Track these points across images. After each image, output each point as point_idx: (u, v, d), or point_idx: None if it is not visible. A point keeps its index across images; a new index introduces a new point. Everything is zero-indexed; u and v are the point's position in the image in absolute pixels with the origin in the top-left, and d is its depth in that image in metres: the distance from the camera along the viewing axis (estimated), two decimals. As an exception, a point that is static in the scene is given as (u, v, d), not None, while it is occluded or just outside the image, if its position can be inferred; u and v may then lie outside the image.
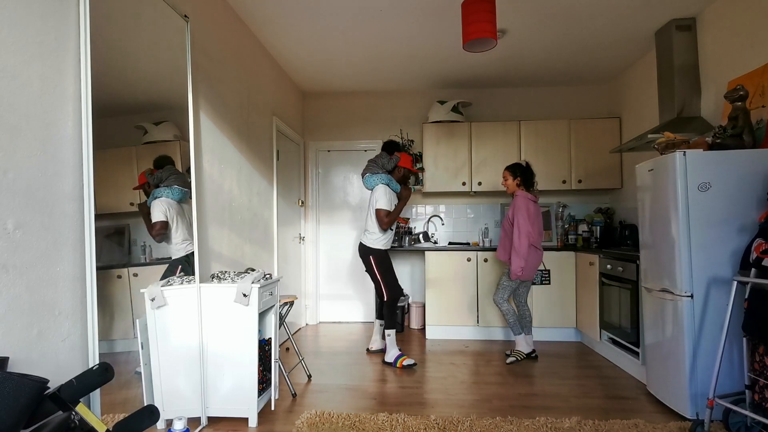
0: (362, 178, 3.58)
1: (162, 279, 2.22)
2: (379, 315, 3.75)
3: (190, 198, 2.42)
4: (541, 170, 4.43)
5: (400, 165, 3.54)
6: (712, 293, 2.37)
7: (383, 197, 3.41)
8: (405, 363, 3.33)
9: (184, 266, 2.36)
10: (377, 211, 3.41)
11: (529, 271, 3.40)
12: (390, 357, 3.40)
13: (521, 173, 3.47)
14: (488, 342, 4.09)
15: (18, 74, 1.45)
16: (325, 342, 4.15)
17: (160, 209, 2.17)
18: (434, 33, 3.48)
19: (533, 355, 3.49)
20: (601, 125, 4.42)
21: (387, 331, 3.44)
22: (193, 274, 2.36)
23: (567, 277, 4.07)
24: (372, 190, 3.52)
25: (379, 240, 3.48)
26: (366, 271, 3.60)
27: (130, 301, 2.06)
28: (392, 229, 3.57)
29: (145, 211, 2.08)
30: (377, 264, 3.48)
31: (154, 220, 2.14)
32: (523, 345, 3.41)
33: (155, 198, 2.15)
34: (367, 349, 3.81)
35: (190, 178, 2.42)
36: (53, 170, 1.58)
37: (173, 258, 2.30)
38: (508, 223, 3.48)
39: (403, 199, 3.56)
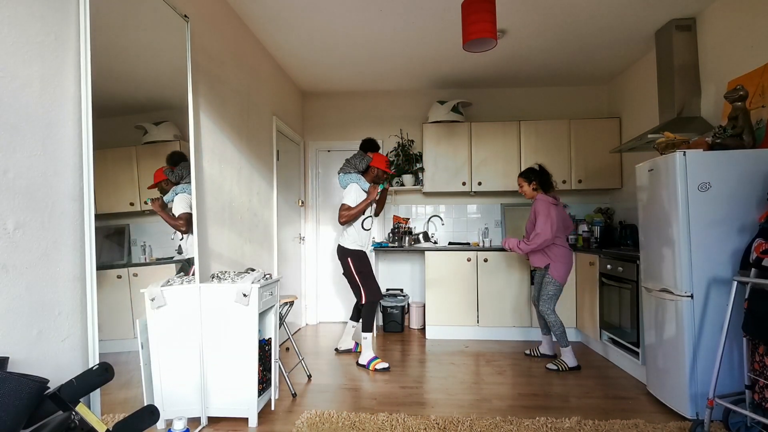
0: (338, 176, 3.54)
1: (177, 276, 2.24)
2: (354, 317, 3.71)
3: None
4: (541, 170, 4.44)
5: (372, 165, 3.46)
6: (712, 293, 2.37)
7: (350, 194, 3.36)
8: (378, 366, 3.30)
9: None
10: (341, 206, 3.35)
11: (567, 272, 3.35)
12: (364, 359, 3.38)
13: (536, 177, 3.42)
14: (488, 342, 4.09)
15: (18, 74, 1.45)
16: (325, 342, 4.15)
17: (185, 201, 2.17)
18: (434, 33, 3.48)
19: (579, 368, 3.30)
20: (601, 125, 4.42)
21: (363, 334, 3.40)
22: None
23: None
24: (345, 188, 3.46)
25: (355, 241, 3.43)
26: (343, 274, 3.53)
27: (130, 301, 2.06)
28: (366, 229, 3.47)
29: (160, 204, 2.07)
30: (355, 265, 3.42)
31: (179, 212, 2.14)
32: (570, 358, 3.28)
33: (177, 194, 2.15)
34: (336, 349, 3.78)
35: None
36: (53, 170, 1.58)
37: (189, 256, 2.31)
38: (531, 225, 3.40)
39: (368, 195, 3.40)
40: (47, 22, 1.57)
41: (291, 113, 4.56)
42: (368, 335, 3.41)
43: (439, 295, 4.20)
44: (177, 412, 2.21)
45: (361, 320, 3.47)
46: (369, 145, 3.59)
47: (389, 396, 2.80)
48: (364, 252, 3.49)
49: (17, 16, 1.45)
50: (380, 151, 4.89)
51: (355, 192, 3.37)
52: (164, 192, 2.13)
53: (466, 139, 4.52)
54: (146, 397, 2.12)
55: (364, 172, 3.49)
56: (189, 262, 2.35)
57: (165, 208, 2.11)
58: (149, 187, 2.03)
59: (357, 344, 3.79)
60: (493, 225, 4.85)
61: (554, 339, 3.35)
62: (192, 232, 2.31)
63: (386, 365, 3.32)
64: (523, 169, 3.52)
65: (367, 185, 3.44)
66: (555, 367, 3.28)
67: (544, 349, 3.58)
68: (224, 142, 2.96)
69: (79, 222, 1.69)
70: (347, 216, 3.34)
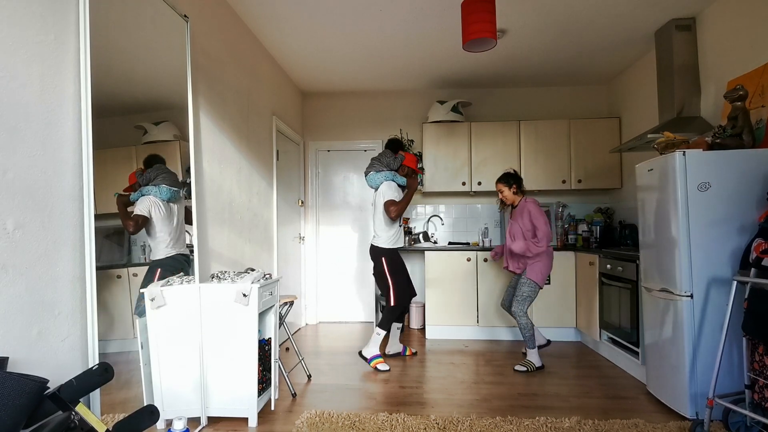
0: (365, 176, 3.54)
1: (144, 282, 2.16)
2: (398, 318, 3.60)
3: (184, 197, 2.39)
4: (541, 170, 4.44)
5: (404, 164, 3.48)
6: (711, 293, 2.37)
7: (390, 190, 3.37)
8: (378, 366, 3.29)
9: (168, 267, 2.28)
10: (385, 203, 3.34)
11: (546, 275, 3.38)
12: (368, 353, 3.36)
13: (515, 181, 3.46)
14: (488, 342, 4.09)
15: (18, 74, 1.45)
16: (325, 342, 4.15)
17: (144, 205, 2.12)
18: (434, 33, 3.48)
19: (543, 368, 3.36)
20: (600, 125, 4.42)
21: (377, 330, 3.39)
22: (177, 274, 2.31)
23: (567, 277, 4.07)
24: (377, 188, 3.47)
25: (390, 239, 3.41)
26: (374, 274, 3.51)
27: (130, 301, 2.06)
28: (401, 226, 3.49)
29: (124, 201, 2.01)
30: (389, 266, 3.40)
31: (135, 213, 2.08)
32: (536, 358, 3.32)
33: (142, 195, 2.11)
34: (385, 353, 3.79)
35: (189, 178, 2.42)
36: (53, 170, 1.58)
37: (154, 259, 2.22)
38: (518, 231, 3.39)
39: (410, 188, 3.47)
40: (47, 22, 1.57)
41: (291, 113, 4.56)
42: (382, 333, 3.39)
43: (439, 295, 4.20)
44: (177, 412, 2.21)
45: (381, 316, 3.45)
46: (398, 145, 3.60)
47: (389, 396, 2.80)
48: (397, 251, 3.48)
49: (17, 16, 1.45)
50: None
51: (394, 188, 3.40)
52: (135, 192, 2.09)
53: (465, 139, 4.52)
54: (146, 397, 2.13)
55: (395, 171, 3.51)
56: (159, 264, 2.25)
57: (126, 206, 2.05)
58: (124, 190, 2.00)
59: (405, 347, 3.74)
60: (493, 225, 4.84)
61: (524, 341, 3.40)
62: (154, 239, 2.21)
63: (387, 368, 3.31)
64: (511, 173, 3.51)
65: (402, 180, 3.47)
66: (524, 368, 3.28)
67: (535, 359, 3.49)
68: (224, 142, 2.96)
69: (79, 222, 1.69)
70: (398, 209, 3.32)
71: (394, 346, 3.74)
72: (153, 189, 2.14)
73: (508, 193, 3.46)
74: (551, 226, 4.58)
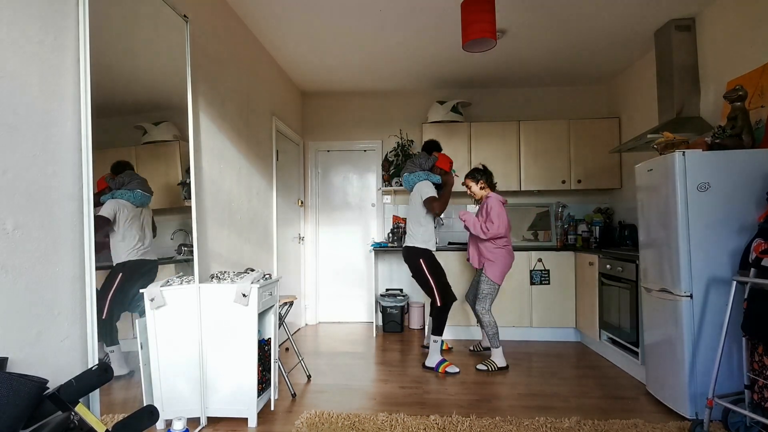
0: (401, 178, 3.59)
1: (102, 286, 1.96)
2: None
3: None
4: (541, 170, 4.45)
5: (437, 165, 3.45)
6: (711, 293, 2.37)
7: (426, 188, 3.37)
8: (448, 369, 3.24)
9: (131, 272, 2.14)
10: (427, 200, 3.32)
11: (503, 274, 3.41)
12: (431, 362, 3.32)
13: (482, 176, 3.47)
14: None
15: (17, 74, 1.45)
16: (325, 342, 4.15)
17: (110, 207, 2.04)
18: (434, 33, 3.48)
19: (507, 368, 3.33)
20: (600, 125, 4.42)
21: (434, 337, 3.34)
22: (141, 280, 2.20)
23: (566, 277, 4.07)
24: (412, 188, 3.47)
25: (425, 238, 3.38)
26: (413, 276, 3.48)
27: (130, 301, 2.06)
28: (436, 227, 3.45)
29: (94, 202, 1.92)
30: (428, 266, 3.35)
31: (96, 215, 1.99)
32: (500, 358, 3.31)
33: (112, 198, 2.04)
34: (423, 346, 3.83)
35: (189, 178, 2.42)
36: (53, 170, 1.58)
37: (118, 262, 2.05)
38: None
39: (446, 185, 3.43)
40: (47, 22, 1.57)
41: (291, 113, 4.56)
42: (439, 339, 3.35)
43: (439, 295, 4.19)
44: (176, 413, 2.21)
45: (431, 323, 3.40)
46: (433, 146, 3.60)
47: (389, 396, 2.80)
48: (433, 252, 3.44)
49: (17, 16, 1.45)
50: (384, 152, 4.91)
51: (429, 186, 3.39)
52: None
53: (465, 139, 4.52)
54: (146, 397, 2.12)
55: (429, 171, 3.51)
56: (119, 268, 2.07)
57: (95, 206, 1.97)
58: (95, 195, 1.94)
59: (442, 342, 3.69)
60: (493, 225, 4.84)
61: (488, 338, 3.41)
62: (113, 242, 2.09)
63: (457, 369, 3.25)
64: (480, 168, 3.54)
65: (436, 178, 3.45)
66: (485, 368, 3.28)
67: (486, 343, 3.51)
68: (224, 142, 2.96)
69: (79, 222, 1.69)
70: (441, 204, 3.32)
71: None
72: (127, 193, 2.06)
73: (475, 188, 3.50)
74: (551, 227, 4.59)
